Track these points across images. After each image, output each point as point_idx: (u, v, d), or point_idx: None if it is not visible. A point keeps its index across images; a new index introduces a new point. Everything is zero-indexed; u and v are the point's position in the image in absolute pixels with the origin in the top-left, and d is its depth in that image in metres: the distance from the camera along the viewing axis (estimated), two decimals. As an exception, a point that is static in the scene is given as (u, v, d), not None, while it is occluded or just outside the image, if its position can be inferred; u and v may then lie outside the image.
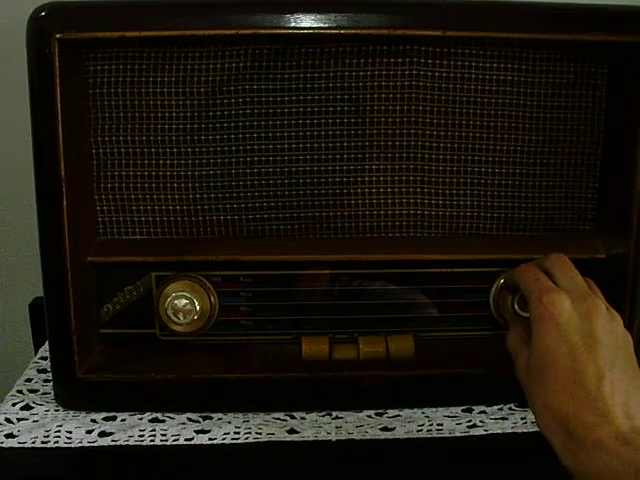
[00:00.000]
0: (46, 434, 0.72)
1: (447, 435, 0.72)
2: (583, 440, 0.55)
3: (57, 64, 0.67)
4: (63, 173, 0.69)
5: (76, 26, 0.67)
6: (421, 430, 0.73)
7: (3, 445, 0.71)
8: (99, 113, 0.73)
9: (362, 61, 0.72)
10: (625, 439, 0.54)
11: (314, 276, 0.76)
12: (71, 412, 0.75)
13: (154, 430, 0.72)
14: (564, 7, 0.72)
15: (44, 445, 0.71)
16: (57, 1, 0.68)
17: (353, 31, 0.68)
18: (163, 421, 0.74)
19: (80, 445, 0.71)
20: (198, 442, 0.71)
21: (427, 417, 0.75)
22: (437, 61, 0.73)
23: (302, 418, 0.74)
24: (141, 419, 0.74)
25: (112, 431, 0.72)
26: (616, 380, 0.57)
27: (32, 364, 0.84)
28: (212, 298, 0.75)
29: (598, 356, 0.58)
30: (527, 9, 0.71)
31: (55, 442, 0.71)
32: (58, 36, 0.66)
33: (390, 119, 0.74)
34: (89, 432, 0.72)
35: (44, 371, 0.82)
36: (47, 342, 0.80)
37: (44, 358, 0.84)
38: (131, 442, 0.71)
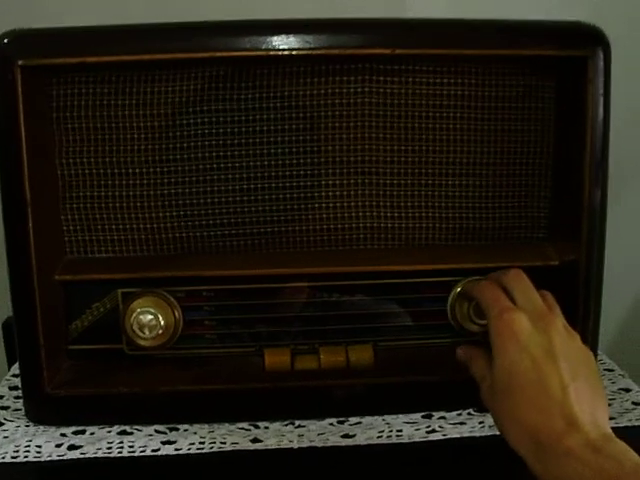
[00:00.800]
0: (16, 449, 0.73)
1: (406, 441, 0.74)
2: (554, 449, 0.56)
3: (20, 89, 0.69)
4: (28, 196, 0.71)
5: (38, 53, 0.70)
6: (381, 436, 0.75)
7: (-27, 461, 0.72)
8: (63, 136, 0.75)
9: (315, 80, 0.75)
10: (595, 447, 0.55)
11: (275, 289, 0.78)
12: (41, 427, 0.77)
13: (122, 442, 0.74)
14: (510, 24, 0.74)
15: (14, 460, 0.72)
16: (20, 29, 0.71)
17: (305, 52, 0.70)
18: (131, 433, 0.76)
19: (50, 459, 0.73)
20: (165, 453, 0.73)
21: (387, 424, 0.77)
22: (388, 78, 0.75)
23: (266, 427, 0.76)
24: (109, 432, 0.76)
25: (81, 444, 0.74)
26: (581, 390, 0.59)
27: (4, 381, 0.86)
28: (176, 313, 0.77)
29: (560, 367, 0.59)
30: (474, 26, 0.74)
31: (25, 456, 0.73)
32: (20, 62, 0.69)
33: (344, 135, 0.76)
34: (58, 446, 0.74)
35: (15, 388, 0.84)
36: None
37: (15, 375, 0.86)
38: (99, 454, 0.73)
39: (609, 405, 0.77)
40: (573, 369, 0.60)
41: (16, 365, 0.87)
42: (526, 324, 0.61)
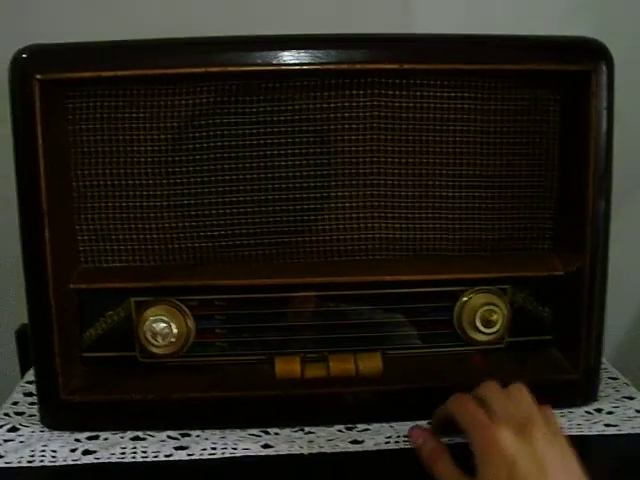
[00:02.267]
0: (32, 453, 0.75)
1: (413, 446, 0.75)
2: None
3: (38, 103, 0.71)
4: (45, 206, 0.73)
5: (55, 67, 0.72)
6: (389, 442, 0.76)
7: (-10, 465, 0.74)
8: (78, 148, 0.77)
9: (325, 94, 0.77)
10: None
11: (285, 298, 0.80)
12: (56, 432, 0.78)
13: (135, 448, 0.76)
14: (516, 39, 0.76)
15: (30, 464, 0.74)
16: (38, 43, 0.73)
17: (315, 66, 0.72)
18: (144, 439, 0.77)
19: (64, 463, 0.74)
20: (177, 458, 0.74)
21: (395, 430, 0.78)
22: (396, 92, 0.77)
23: (276, 434, 0.78)
24: (123, 437, 0.78)
25: (95, 449, 0.76)
26: None
27: (18, 388, 0.88)
28: (189, 321, 0.79)
29: (549, 477, 0.60)
30: (480, 41, 0.76)
31: (40, 461, 0.74)
32: (38, 77, 0.71)
33: (353, 148, 0.78)
34: (73, 451, 0.75)
35: (30, 394, 0.85)
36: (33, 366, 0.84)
37: (30, 382, 0.88)
38: (113, 459, 0.74)
39: (611, 413, 0.79)
40: (563, 475, 0.61)
41: (30, 372, 0.89)
42: (511, 439, 0.61)
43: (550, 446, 0.62)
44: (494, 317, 0.79)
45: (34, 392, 0.81)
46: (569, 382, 0.80)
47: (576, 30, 0.78)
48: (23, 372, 0.95)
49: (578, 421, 0.78)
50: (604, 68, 0.74)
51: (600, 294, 0.78)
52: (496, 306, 0.79)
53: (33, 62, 0.72)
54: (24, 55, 0.72)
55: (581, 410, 0.81)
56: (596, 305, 0.78)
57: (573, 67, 0.75)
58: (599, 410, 0.81)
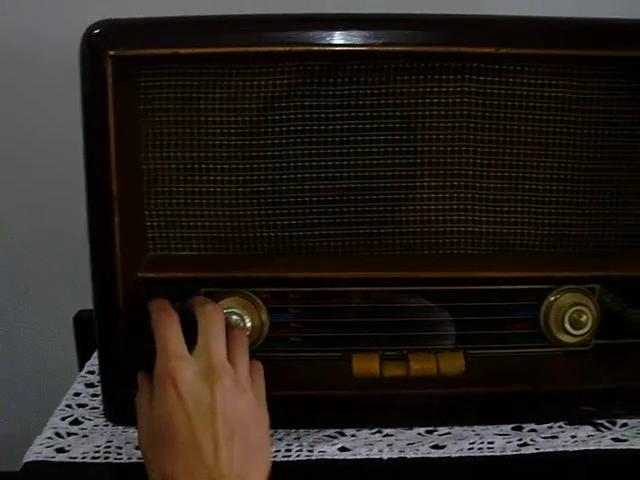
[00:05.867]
0: (96, 449, 0.72)
1: (498, 454, 0.72)
2: None
3: (110, 80, 0.67)
4: (115, 189, 0.69)
5: (129, 43, 0.68)
6: (472, 448, 0.72)
7: (55, 459, 0.71)
8: (150, 129, 0.73)
9: (413, 77, 0.72)
10: None
11: (364, 293, 0.76)
12: (120, 427, 0.75)
13: (203, 446, 0.72)
14: (615, 23, 0.71)
15: (95, 460, 0.71)
16: (110, 19, 0.69)
17: (405, 48, 0.68)
18: (212, 437, 0.74)
19: (130, 461, 0.71)
20: (249, 459, 0.71)
21: (477, 435, 0.74)
22: (488, 78, 0.72)
23: (353, 435, 0.74)
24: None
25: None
26: (235, 450, 0.58)
27: (79, 378, 0.85)
28: (262, 314, 0.75)
29: (216, 428, 0.58)
30: (578, 25, 0.71)
31: (105, 457, 0.71)
32: (111, 53, 0.67)
33: (441, 136, 0.74)
34: (138, 448, 0.72)
35: (92, 385, 0.83)
36: (94, 356, 0.81)
37: (91, 372, 0.85)
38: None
39: None
40: (231, 428, 0.58)
41: (91, 361, 0.86)
42: (191, 377, 0.60)
43: (232, 397, 0.60)
44: (583, 318, 0.75)
45: (96, 383, 0.79)
46: (661, 389, 0.76)
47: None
48: (81, 361, 0.92)
49: (670, 432, 0.75)
50: None
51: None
52: (586, 307, 0.75)
53: (106, 38, 0.67)
54: (96, 31, 0.67)
55: (671, 419, 0.77)
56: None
57: (677, 54, 0.71)
58: (691, 420, 0.77)
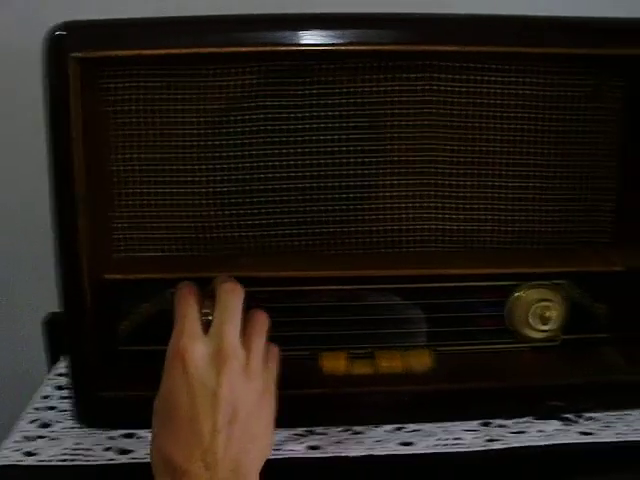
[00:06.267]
0: (64, 452, 0.72)
1: (466, 449, 0.72)
2: None
3: (74, 82, 0.67)
4: (80, 191, 0.69)
5: (93, 44, 0.67)
6: (439, 444, 0.73)
7: (23, 463, 0.71)
8: (116, 131, 0.73)
9: (379, 77, 0.72)
10: None
11: (331, 292, 0.76)
12: (89, 429, 0.75)
13: (173, 447, 0.72)
14: (580, 21, 0.72)
15: (63, 463, 0.71)
16: (74, 20, 0.68)
17: (370, 47, 0.68)
18: (182, 438, 0.74)
19: (99, 463, 0.71)
20: (217, 458, 0.71)
21: (445, 431, 0.75)
22: (454, 76, 0.73)
23: (321, 434, 0.75)
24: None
25: (131, 448, 0.73)
26: (233, 437, 0.58)
27: (48, 380, 0.84)
28: (230, 314, 0.75)
29: (217, 412, 0.58)
30: (544, 23, 0.71)
31: (74, 460, 0.71)
32: (75, 55, 0.66)
33: (406, 134, 0.74)
34: (107, 449, 0.72)
35: (61, 388, 0.82)
36: (63, 358, 0.81)
37: (61, 374, 0.84)
38: (149, 460, 0.70)
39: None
40: (233, 413, 0.59)
41: (60, 363, 0.86)
42: (200, 358, 0.60)
43: (238, 383, 0.60)
44: (549, 314, 0.76)
45: (65, 385, 0.78)
46: (627, 383, 0.77)
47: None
48: (52, 364, 0.92)
49: (637, 425, 0.75)
50: (674, 52, 0.70)
51: (663, 291, 0.75)
52: (552, 302, 0.76)
53: (69, 39, 0.67)
54: (60, 32, 0.67)
55: (638, 413, 0.77)
56: (658, 302, 0.75)
57: (639, 51, 0.71)
58: (658, 413, 0.78)
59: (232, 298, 0.63)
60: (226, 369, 0.59)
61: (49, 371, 0.88)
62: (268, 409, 0.63)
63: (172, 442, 0.58)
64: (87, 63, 0.67)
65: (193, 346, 0.60)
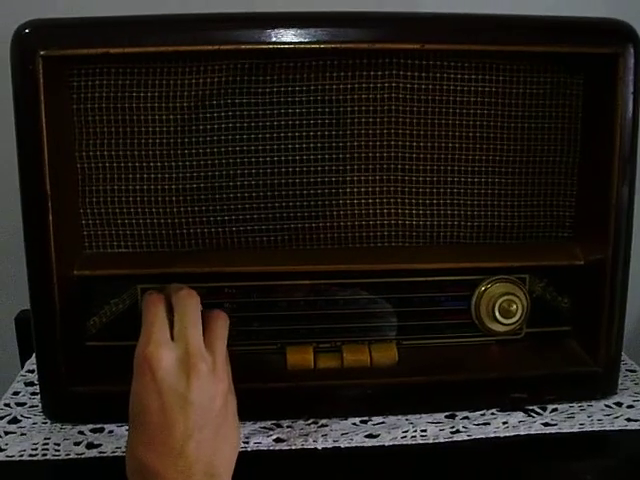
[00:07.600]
0: (34, 447, 0.72)
1: (431, 441, 0.73)
2: None
3: (41, 80, 0.68)
4: (48, 188, 0.70)
5: (60, 43, 0.68)
6: (405, 436, 0.74)
7: (-9, 459, 0.71)
8: (84, 128, 0.74)
9: (342, 74, 0.74)
10: None
11: (298, 286, 0.77)
12: (58, 424, 0.76)
13: (141, 441, 0.73)
14: (540, 20, 0.74)
15: (32, 458, 0.71)
16: (41, 18, 0.69)
17: (333, 45, 0.69)
18: (150, 432, 0.75)
19: (68, 457, 0.71)
20: (185, 452, 0.72)
21: (411, 423, 0.76)
22: (416, 73, 0.74)
23: (288, 427, 0.75)
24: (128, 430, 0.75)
25: (100, 442, 0.73)
26: (204, 440, 0.59)
27: (19, 377, 0.85)
28: (198, 309, 0.75)
29: (188, 416, 0.59)
30: (504, 22, 0.73)
31: (43, 455, 0.71)
32: (42, 53, 0.67)
33: (370, 131, 0.75)
34: (77, 444, 0.73)
35: (31, 384, 0.82)
36: (34, 355, 0.81)
37: (31, 371, 0.85)
38: (118, 453, 0.71)
39: (632, 407, 0.77)
40: (203, 417, 0.59)
41: (31, 360, 0.86)
42: (168, 364, 0.60)
43: (206, 385, 0.60)
44: (513, 307, 0.77)
45: (36, 382, 0.79)
46: (589, 375, 0.78)
47: (602, 11, 0.75)
48: (23, 361, 0.92)
49: (599, 416, 0.76)
50: (632, 51, 0.71)
51: (622, 284, 0.76)
52: (515, 296, 0.77)
53: (36, 37, 0.68)
54: (27, 30, 0.68)
55: (600, 404, 0.79)
56: (618, 296, 0.76)
57: (599, 50, 0.72)
58: (619, 404, 0.79)
59: (190, 302, 0.64)
60: (195, 373, 0.60)
61: (22, 368, 0.88)
62: (233, 408, 0.64)
63: (146, 447, 0.59)
64: (54, 61, 0.68)
65: (160, 352, 0.60)
